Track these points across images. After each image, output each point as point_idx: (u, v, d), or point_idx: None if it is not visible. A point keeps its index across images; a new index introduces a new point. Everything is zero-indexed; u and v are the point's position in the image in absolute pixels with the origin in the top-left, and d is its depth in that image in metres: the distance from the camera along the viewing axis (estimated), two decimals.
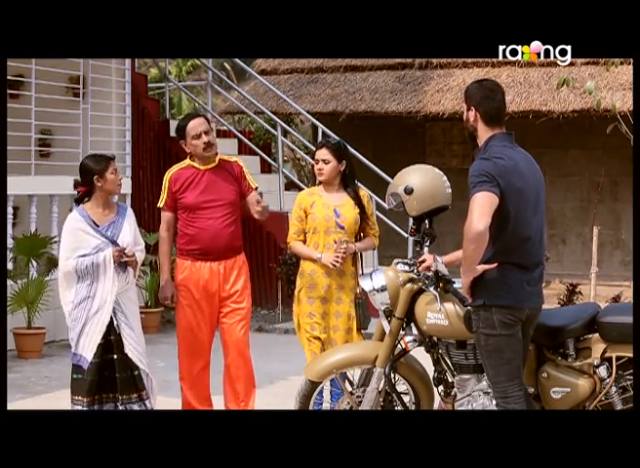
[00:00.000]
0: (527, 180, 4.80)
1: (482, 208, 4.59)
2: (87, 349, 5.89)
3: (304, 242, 6.21)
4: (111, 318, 5.93)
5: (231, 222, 6.28)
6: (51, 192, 10.27)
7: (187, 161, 6.37)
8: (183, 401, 6.39)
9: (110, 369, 5.94)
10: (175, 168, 6.39)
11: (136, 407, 5.96)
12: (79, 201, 6.06)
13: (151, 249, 9.85)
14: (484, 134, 4.87)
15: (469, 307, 4.89)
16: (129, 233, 6.03)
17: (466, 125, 4.95)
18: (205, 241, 6.23)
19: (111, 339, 5.94)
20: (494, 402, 4.95)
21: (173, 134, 12.50)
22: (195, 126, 6.22)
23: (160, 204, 6.37)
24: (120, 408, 5.94)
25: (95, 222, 5.97)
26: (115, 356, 5.94)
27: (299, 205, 6.23)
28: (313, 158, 6.28)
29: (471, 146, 4.99)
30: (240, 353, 6.34)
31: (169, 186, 6.30)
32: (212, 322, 6.36)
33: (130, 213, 6.13)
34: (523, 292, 4.78)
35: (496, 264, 4.71)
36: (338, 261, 6.03)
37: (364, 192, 6.42)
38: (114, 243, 5.95)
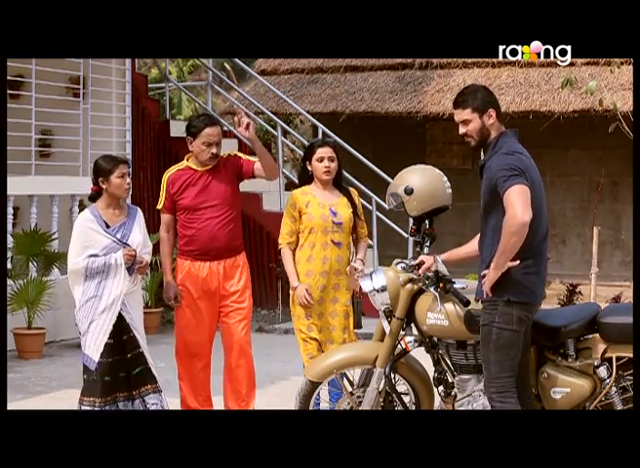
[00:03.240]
0: (539, 176, 4.87)
1: (522, 199, 4.59)
2: (92, 348, 5.90)
3: (297, 242, 6.19)
4: (119, 318, 5.94)
5: (229, 222, 6.28)
6: (51, 192, 10.27)
7: (185, 162, 6.37)
8: (182, 400, 6.40)
9: (123, 369, 5.97)
10: (172, 169, 6.39)
11: (153, 398, 6.00)
12: (92, 199, 6.09)
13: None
14: (495, 131, 4.89)
15: (482, 302, 4.86)
16: (139, 234, 6.05)
17: (478, 134, 4.89)
18: (203, 241, 6.23)
19: (118, 340, 5.95)
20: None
21: (173, 134, 12.53)
22: (211, 134, 6.20)
23: (159, 206, 6.38)
24: (137, 401, 5.99)
25: (106, 223, 5.98)
26: (124, 356, 5.97)
27: (292, 205, 6.17)
28: (308, 156, 6.20)
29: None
30: (241, 353, 6.34)
31: (167, 188, 6.31)
32: (211, 322, 6.37)
33: (140, 214, 6.14)
34: (540, 289, 4.85)
35: (518, 261, 4.72)
36: (308, 302, 6.02)
37: (354, 190, 6.41)
38: (125, 244, 5.96)
